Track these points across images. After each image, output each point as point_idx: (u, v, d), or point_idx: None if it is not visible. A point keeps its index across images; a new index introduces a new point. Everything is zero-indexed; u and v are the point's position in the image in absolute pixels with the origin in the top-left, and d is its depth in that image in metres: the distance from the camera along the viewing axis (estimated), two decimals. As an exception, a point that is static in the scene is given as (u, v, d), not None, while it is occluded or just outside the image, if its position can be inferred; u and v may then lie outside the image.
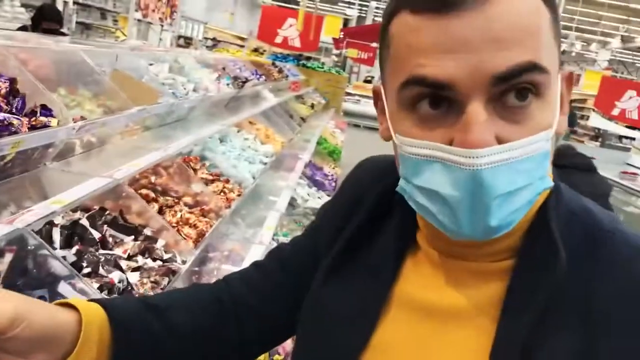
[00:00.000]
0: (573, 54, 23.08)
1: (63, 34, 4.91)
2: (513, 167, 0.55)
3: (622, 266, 0.59)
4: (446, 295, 0.66)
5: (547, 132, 0.57)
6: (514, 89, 0.55)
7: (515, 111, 0.56)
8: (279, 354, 2.20)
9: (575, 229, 0.63)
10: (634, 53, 22.82)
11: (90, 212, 1.87)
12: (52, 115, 1.74)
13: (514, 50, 0.54)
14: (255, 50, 10.95)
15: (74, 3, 8.57)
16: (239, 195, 2.86)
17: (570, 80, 0.65)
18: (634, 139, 12.98)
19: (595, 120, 12.60)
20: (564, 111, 0.62)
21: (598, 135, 14.19)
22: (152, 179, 2.41)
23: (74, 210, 1.84)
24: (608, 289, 0.59)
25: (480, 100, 0.55)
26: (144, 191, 2.25)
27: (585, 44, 22.94)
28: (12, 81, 1.70)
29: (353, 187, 0.83)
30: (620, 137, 13.72)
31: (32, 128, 1.63)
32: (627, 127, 12.59)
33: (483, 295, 0.64)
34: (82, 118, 1.99)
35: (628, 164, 6.91)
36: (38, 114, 1.71)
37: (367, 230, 0.75)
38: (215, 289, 0.84)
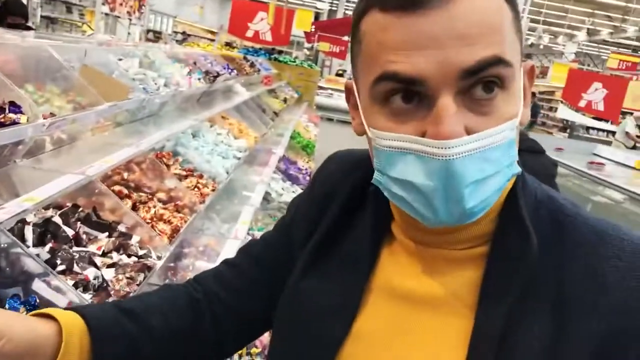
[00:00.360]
0: (541, 46, 23.43)
1: (29, 28, 4.80)
2: (482, 156, 0.58)
3: (586, 251, 0.62)
4: (423, 283, 0.67)
5: (512, 121, 0.60)
6: (481, 82, 0.58)
7: (482, 103, 0.59)
8: (256, 346, 2.21)
9: (542, 215, 0.65)
10: (600, 45, 23.28)
11: (62, 210, 1.84)
12: (21, 112, 1.72)
13: (480, 46, 0.57)
14: (228, 44, 10.85)
15: (39, -3, 8.39)
16: (213, 190, 2.85)
17: (532, 73, 0.68)
18: (613, 132, 13.33)
19: (563, 112, 12.84)
20: (527, 102, 0.65)
21: (566, 127, 14.47)
22: (125, 175, 2.39)
23: (46, 208, 1.82)
24: (576, 273, 0.61)
25: (450, 94, 0.57)
26: (116, 187, 2.23)
27: (552, 37, 23.31)
28: (-21, 77, 1.67)
29: (325, 181, 0.84)
30: (588, 128, 14.02)
31: (1, 125, 1.60)
32: (593, 118, 12.87)
33: (459, 282, 0.66)
34: (52, 114, 1.96)
35: (595, 154, 7.06)
36: (7, 111, 1.69)
37: (342, 223, 0.77)
38: (189, 289, 0.84)
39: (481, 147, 0.58)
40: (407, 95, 0.59)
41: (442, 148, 0.57)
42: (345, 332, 0.69)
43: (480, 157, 0.58)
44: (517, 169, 0.62)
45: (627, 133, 9.49)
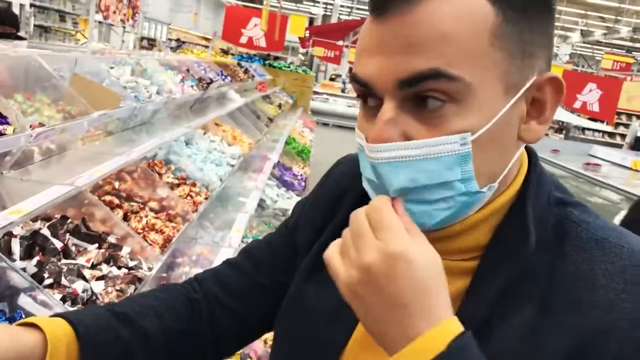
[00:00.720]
0: (535, 48, 23.43)
1: (20, 38, 4.77)
2: (414, 165, 0.57)
3: (583, 257, 0.61)
4: None
5: (461, 135, 0.57)
6: (422, 93, 0.57)
7: (427, 114, 0.58)
8: (250, 358, 2.17)
9: (548, 219, 0.64)
10: (593, 47, 23.36)
11: (51, 221, 1.81)
12: (7, 123, 1.69)
13: (423, 57, 0.55)
14: (226, 52, 10.80)
15: (31, 6, 8.35)
16: (206, 198, 2.82)
17: (556, 85, 0.62)
18: (609, 133, 13.32)
19: (558, 113, 12.86)
20: (545, 118, 0.62)
21: (562, 128, 14.50)
22: (116, 184, 2.36)
23: (34, 220, 1.79)
24: (567, 273, 0.60)
25: (391, 101, 0.58)
26: (107, 197, 2.20)
27: (546, 38, 23.33)
28: (-36, 88, 1.65)
29: (334, 184, 0.83)
30: (583, 129, 14.04)
31: (-14, 136, 1.57)
32: (589, 119, 12.89)
33: (451, 292, 0.64)
34: (41, 124, 1.93)
35: (591, 155, 7.06)
36: (-7, 122, 1.66)
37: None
38: (187, 289, 0.83)
39: (411, 156, 0.57)
40: (367, 97, 0.62)
41: (370, 151, 0.59)
42: (347, 337, 0.68)
43: (411, 166, 0.57)
44: (474, 187, 0.59)
45: (637, 138, 9.53)
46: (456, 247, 0.65)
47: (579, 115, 12.11)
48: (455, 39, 0.55)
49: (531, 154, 0.68)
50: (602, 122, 12.95)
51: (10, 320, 1.27)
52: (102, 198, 2.17)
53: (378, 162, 0.58)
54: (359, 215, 0.58)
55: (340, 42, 15.07)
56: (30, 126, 1.83)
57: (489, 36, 0.57)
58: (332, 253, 0.59)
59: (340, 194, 0.79)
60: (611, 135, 14.06)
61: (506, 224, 0.64)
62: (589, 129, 13.96)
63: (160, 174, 2.74)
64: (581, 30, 20.56)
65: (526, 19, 0.58)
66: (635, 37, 17.99)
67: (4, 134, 1.62)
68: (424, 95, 0.57)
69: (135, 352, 0.73)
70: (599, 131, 13.94)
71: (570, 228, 0.63)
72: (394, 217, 0.56)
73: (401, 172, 0.57)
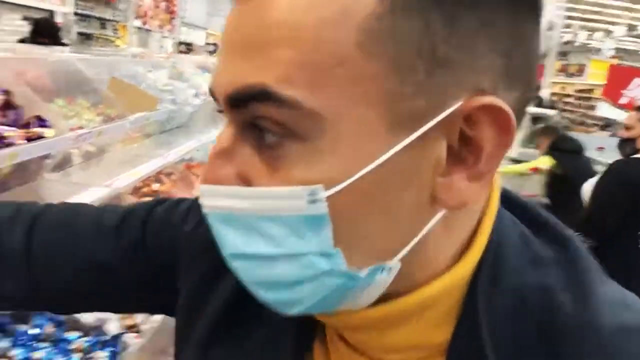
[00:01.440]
0: (576, 43, 22.91)
1: (64, 45, 4.88)
2: (249, 224, 0.38)
3: None
4: None
5: (308, 188, 0.36)
6: (254, 121, 0.38)
7: (267, 151, 0.38)
8: None
9: (525, 317, 0.42)
10: (638, 40, 22.64)
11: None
12: (47, 126, 1.72)
13: (255, 64, 0.36)
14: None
15: (74, 14, 8.58)
16: (243, 199, 2.82)
17: (499, 118, 0.37)
18: None
19: (603, 110, 12.50)
20: (479, 171, 0.38)
21: (607, 125, 14.08)
22: (155, 186, 2.38)
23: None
24: None
25: (232, 123, 0.39)
26: (146, 199, 2.22)
27: (590, 32, 22.78)
28: (6, 93, 1.68)
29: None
30: (629, 126, 13.61)
31: (28, 140, 1.60)
32: (635, 115, 12.47)
33: None
34: (80, 128, 1.96)
35: (638, 152, 6.82)
36: (34, 125, 1.69)
37: None
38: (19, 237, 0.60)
39: (243, 210, 0.38)
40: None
41: (201, 195, 0.40)
42: None
43: (246, 225, 0.38)
44: (341, 266, 0.38)
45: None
46: (389, 342, 0.45)
47: (626, 112, 11.74)
48: (302, 38, 0.35)
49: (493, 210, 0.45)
50: (650, 117, 12.51)
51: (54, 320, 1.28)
52: (141, 200, 2.19)
53: (207, 211, 0.40)
54: None
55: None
56: (70, 129, 1.86)
57: (359, 35, 0.35)
58: None
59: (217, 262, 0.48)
60: (659, 131, 13.57)
61: (456, 336, 0.44)
62: (635, 126, 13.52)
63: (198, 176, 2.76)
64: (628, 24, 19.96)
65: (440, 6, 0.35)
66: (683, 29, 17.36)
67: (45, 137, 1.65)
68: (257, 125, 0.38)
69: None
70: (646, 127, 13.48)
71: (565, 332, 0.42)
72: None
73: (235, 230, 0.39)
